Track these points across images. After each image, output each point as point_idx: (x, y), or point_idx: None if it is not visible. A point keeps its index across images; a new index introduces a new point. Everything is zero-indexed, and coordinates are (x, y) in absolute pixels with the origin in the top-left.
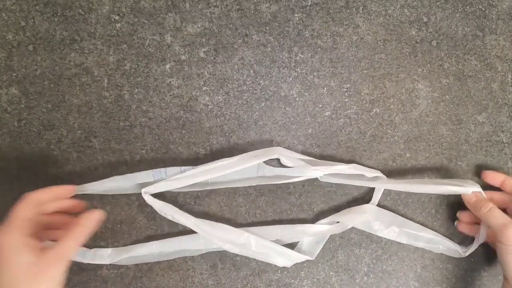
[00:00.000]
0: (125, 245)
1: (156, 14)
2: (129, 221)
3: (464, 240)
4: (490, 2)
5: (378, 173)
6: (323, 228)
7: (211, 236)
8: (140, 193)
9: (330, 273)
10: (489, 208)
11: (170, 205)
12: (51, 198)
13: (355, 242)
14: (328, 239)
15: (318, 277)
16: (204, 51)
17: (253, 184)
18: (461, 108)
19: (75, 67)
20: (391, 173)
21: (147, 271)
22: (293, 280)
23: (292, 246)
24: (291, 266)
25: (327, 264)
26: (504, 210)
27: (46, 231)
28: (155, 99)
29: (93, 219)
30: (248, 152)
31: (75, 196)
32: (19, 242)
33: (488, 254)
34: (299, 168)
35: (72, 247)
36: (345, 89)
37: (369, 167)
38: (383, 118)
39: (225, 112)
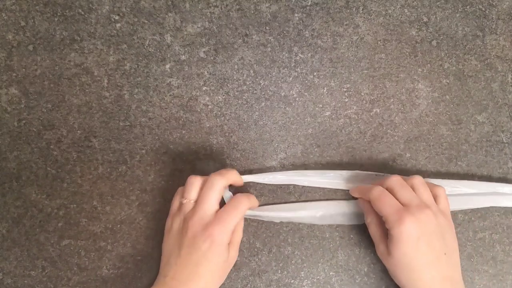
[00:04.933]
0: (125, 245)
1: (156, 14)
2: (129, 221)
3: None
4: (490, 2)
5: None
6: None
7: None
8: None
9: (330, 273)
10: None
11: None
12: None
13: (355, 242)
14: (328, 239)
15: (318, 277)
16: (204, 51)
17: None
18: (461, 108)
19: (75, 67)
20: (391, 173)
21: (147, 271)
22: (293, 280)
23: None
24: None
25: (327, 264)
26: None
27: None
28: (155, 99)
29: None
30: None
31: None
32: (227, 241)
33: (488, 255)
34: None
35: (239, 239)
36: (345, 89)
37: (369, 167)
38: (383, 118)
39: (225, 112)
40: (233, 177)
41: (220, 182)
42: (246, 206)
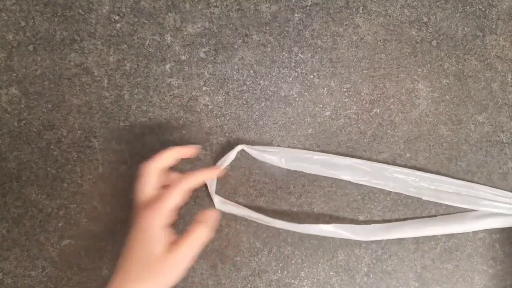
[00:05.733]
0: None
1: (156, 14)
2: (129, 221)
3: None
4: (490, 2)
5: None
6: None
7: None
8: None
9: (330, 273)
10: None
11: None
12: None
13: (355, 242)
14: (328, 239)
15: (318, 277)
16: (204, 51)
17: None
18: (461, 108)
19: (75, 67)
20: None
21: None
22: (293, 280)
23: None
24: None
25: (327, 264)
26: None
27: None
28: (155, 99)
29: (212, 220)
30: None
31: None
32: (163, 229)
33: (488, 255)
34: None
35: (194, 251)
36: (345, 89)
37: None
38: (383, 118)
39: (225, 112)
40: (167, 157)
41: (152, 168)
42: (178, 197)
